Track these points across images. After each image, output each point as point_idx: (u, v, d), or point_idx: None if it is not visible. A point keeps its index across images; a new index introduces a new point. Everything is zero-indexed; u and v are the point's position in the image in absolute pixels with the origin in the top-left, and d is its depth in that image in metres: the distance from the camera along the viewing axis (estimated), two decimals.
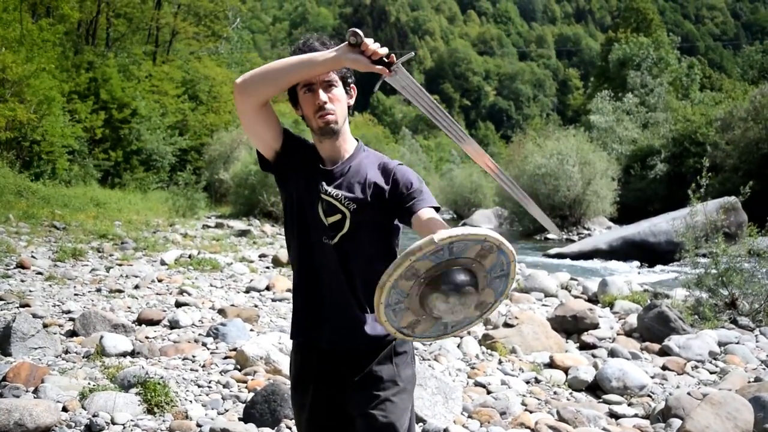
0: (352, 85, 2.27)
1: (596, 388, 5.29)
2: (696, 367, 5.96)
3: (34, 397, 4.22)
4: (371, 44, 1.99)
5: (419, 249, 1.69)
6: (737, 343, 6.63)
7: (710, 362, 6.10)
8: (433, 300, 1.80)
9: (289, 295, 7.77)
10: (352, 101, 2.28)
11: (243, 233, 16.69)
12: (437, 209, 2.14)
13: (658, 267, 14.44)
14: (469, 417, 4.47)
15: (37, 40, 19.35)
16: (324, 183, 2.20)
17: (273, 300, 8.13)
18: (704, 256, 8.25)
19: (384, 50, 2.00)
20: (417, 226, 2.09)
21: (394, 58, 2.02)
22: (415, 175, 2.24)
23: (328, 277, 2.22)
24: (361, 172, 2.22)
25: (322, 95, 2.15)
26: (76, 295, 7.71)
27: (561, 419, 4.45)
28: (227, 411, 4.39)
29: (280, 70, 2.09)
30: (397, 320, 1.87)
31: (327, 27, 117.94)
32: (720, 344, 6.50)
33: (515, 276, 1.90)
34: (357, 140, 2.32)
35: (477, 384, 5.20)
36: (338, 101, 2.19)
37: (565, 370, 5.62)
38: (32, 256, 9.82)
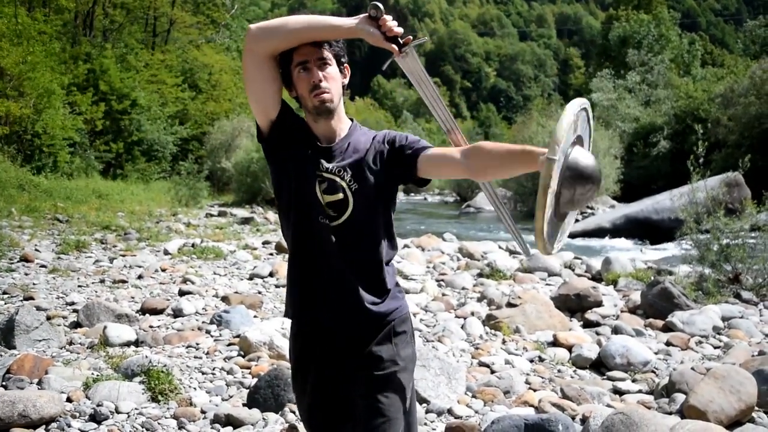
0: (345, 64, 2.25)
1: (600, 366, 5.29)
2: (700, 342, 5.95)
3: (39, 389, 4.23)
4: (389, 21, 2.02)
5: (549, 176, 1.68)
6: (741, 317, 6.62)
7: (714, 337, 6.10)
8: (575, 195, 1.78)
9: None
10: (346, 80, 2.26)
11: (246, 221, 16.70)
12: None
13: (662, 244, 14.39)
14: (473, 397, 4.47)
15: (34, 33, 19.26)
16: (324, 161, 2.18)
17: (276, 286, 8.13)
18: (706, 231, 8.21)
19: (400, 30, 2.02)
20: (428, 166, 2.14)
21: (410, 40, 2.05)
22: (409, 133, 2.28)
23: (327, 259, 2.20)
24: (360, 149, 2.21)
25: (318, 73, 2.13)
26: (79, 286, 7.72)
27: (565, 396, 4.45)
28: (231, 397, 4.41)
29: (298, 24, 2.08)
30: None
31: (325, 12, 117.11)
32: (724, 319, 6.50)
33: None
34: (351, 119, 2.31)
35: (481, 364, 5.21)
36: (333, 80, 2.17)
37: (569, 349, 5.62)
38: (36, 250, 9.83)
